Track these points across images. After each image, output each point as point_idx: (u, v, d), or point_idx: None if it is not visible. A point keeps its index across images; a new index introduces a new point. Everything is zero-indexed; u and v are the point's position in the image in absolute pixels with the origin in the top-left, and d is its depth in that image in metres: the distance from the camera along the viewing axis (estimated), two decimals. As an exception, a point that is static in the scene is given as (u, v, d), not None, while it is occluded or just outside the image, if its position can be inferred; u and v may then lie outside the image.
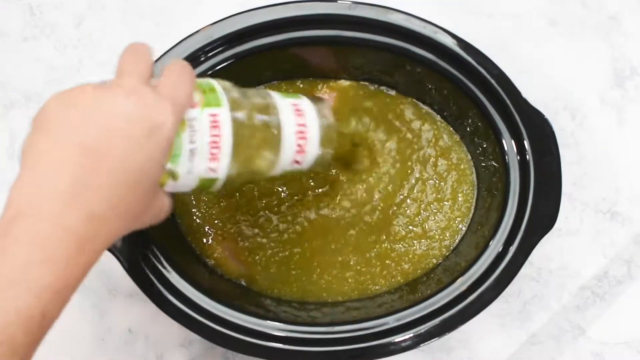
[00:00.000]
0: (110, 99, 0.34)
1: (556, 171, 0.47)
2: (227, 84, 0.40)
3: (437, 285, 0.48)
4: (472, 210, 0.52)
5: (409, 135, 0.53)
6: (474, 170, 0.52)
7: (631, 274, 0.54)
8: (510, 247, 0.46)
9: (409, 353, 0.46)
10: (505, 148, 0.48)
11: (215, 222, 0.51)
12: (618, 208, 0.55)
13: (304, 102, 0.43)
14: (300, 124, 0.41)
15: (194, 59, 0.49)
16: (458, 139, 0.53)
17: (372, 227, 0.51)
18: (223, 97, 0.38)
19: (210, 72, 0.50)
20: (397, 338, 0.45)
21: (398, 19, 0.50)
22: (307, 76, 0.54)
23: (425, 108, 0.53)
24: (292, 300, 0.50)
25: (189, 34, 0.49)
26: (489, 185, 0.51)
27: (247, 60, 0.51)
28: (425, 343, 0.45)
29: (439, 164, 0.53)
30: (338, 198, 0.52)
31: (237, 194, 0.52)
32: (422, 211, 0.52)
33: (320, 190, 0.52)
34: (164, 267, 0.46)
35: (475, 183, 0.52)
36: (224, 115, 0.38)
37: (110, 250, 0.45)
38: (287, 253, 0.51)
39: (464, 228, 0.51)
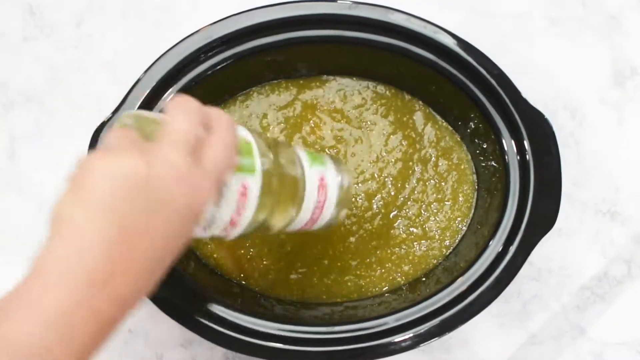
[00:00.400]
0: (159, 181, 0.31)
1: (556, 171, 0.47)
2: (260, 138, 0.38)
3: (437, 286, 0.48)
4: (472, 210, 0.52)
5: (412, 135, 0.53)
6: (474, 170, 0.53)
7: (631, 274, 0.54)
8: (510, 247, 0.46)
9: (409, 353, 0.46)
10: (505, 148, 0.48)
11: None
12: (618, 208, 0.55)
13: (329, 172, 0.42)
14: (321, 200, 0.41)
15: (193, 59, 0.49)
16: (458, 139, 0.53)
17: (372, 233, 0.51)
18: (257, 163, 0.37)
19: (210, 72, 0.50)
20: (397, 338, 0.45)
21: (398, 19, 0.50)
22: (307, 75, 0.54)
23: (426, 108, 0.53)
24: (291, 300, 0.50)
25: (189, 34, 0.49)
26: (489, 185, 0.51)
27: (247, 60, 0.51)
28: (425, 343, 0.45)
29: (440, 164, 0.53)
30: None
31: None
32: (422, 212, 0.52)
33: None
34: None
35: (476, 183, 0.52)
36: (255, 184, 0.36)
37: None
38: (285, 261, 0.51)
39: (464, 228, 0.51)
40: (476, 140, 0.52)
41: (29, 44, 0.58)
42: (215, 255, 0.51)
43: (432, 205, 0.52)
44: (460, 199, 0.52)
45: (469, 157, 0.53)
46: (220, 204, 0.36)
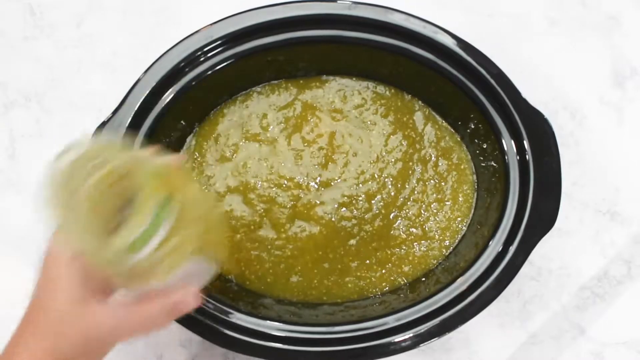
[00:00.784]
0: (92, 318, 0.37)
1: (556, 171, 0.47)
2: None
3: (436, 286, 0.48)
4: (472, 210, 0.52)
5: (412, 135, 0.53)
6: (474, 170, 0.53)
7: (631, 274, 0.54)
8: (510, 247, 0.46)
9: (409, 353, 0.46)
10: (505, 148, 0.48)
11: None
12: (618, 208, 0.55)
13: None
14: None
15: (193, 59, 0.49)
16: (458, 139, 0.53)
17: (372, 234, 0.51)
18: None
19: (210, 72, 0.50)
20: (397, 338, 0.45)
21: (398, 19, 0.50)
22: (307, 75, 0.54)
23: (426, 108, 0.54)
24: (292, 301, 0.50)
25: (189, 34, 0.49)
26: (489, 185, 0.51)
27: (247, 60, 0.51)
28: (425, 343, 0.45)
29: (440, 164, 0.53)
30: (339, 208, 0.52)
31: (232, 207, 0.52)
32: (422, 212, 0.52)
33: (318, 201, 0.52)
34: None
35: (476, 183, 0.52)
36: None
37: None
38: (286, 265, 0.51)
39: (464, 228, 0.51)
40: (476, 140, 0.52)
41: (29, 44, 0.58)
42: (215, 255, 0.51)
43: (432, 206, 0.52)
44: (460, 199, 0.52)
45: (469, 157, 0.53)
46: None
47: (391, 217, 0.51)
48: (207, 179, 0.52)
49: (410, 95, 0.54)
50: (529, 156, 0.48)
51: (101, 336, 0.37)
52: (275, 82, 0.54)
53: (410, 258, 0.51)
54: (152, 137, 0.49)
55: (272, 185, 0.52)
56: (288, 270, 0.51)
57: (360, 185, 0.52)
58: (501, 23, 0.58)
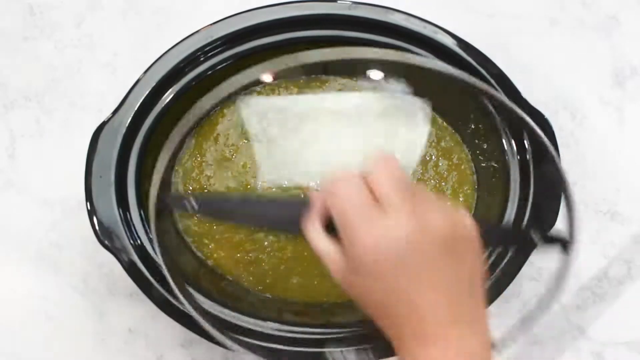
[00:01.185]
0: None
1: (556, 171, 0.47)
2: None
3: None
4: (473, 211, 0.52)
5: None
6: (474, 170, 0.52)
7: (631, 274, 0.54)
8: (510, 247, 0.46)
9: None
10: (505, 148, 0.48)
11: (214, 227, 0.51)
12: (618, 208, 0.55)
13: None
14: None
15: (193, 59, 0.49)
16: (458, 139, 0.53)
17: None
18: None
19: (210, 72, 0.50)
20: (397, 338, 0.45)
21: (398, 19, 0.50)
22: (308, 75, 0.54)
23: (427, 108, 0.53)
24: (292, 301, 0.50)
25: (189, 34, 0.49)
26: (489, 185, 0.51)
27: (247, 60, 0.51)
28: (425, 343, 0.45)
29: (440, 164, 0.53)
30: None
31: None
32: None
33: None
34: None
35: (476, 183, 0.52)
36: None
37: (110, 250, 0.45)
38: (286, 266, 0.51)
39: (464, 228, 0.51)
40: (476, 140, 0.52)
41: (29, 44, 0.58)
42: (215, 256, 0.51)
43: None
44: (461, 199, 0.52)
45: (469, 157, 0.53)
46: None
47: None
48: (207, 179, 0.52)
49: (411, 95, 0.54)
50: (529, 156, 0.48)
51: None
52: (276, 82, 0.54)
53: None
54: (152, 137, 0.49)
55: (272, 186, 0.52)
56: (288, 272, 0.50)
57: (361, 185, 0.52)
58: (501, 23, 0.58)
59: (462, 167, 0.53)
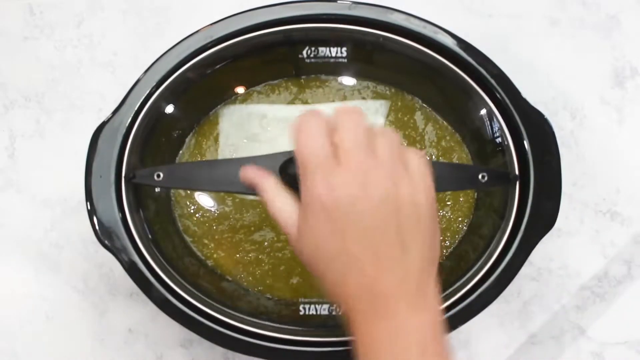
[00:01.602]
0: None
1: (556, 171, 0.47)
2: None
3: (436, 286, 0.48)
4: (473, 211, 0.52)
5: (412, 135, 0.53)
6: (474, 170, 0.52)
7: (631, 274, 0.54)
8: (510, 247, 0.46)
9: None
10: (505, 148, 0.48)
11: (214, 227, 0.51)
12: (618, 208, 0.55)
13: None
14: None
15: (193, 59, 0.49)
16: (459, 139, 0.53)
17: None
18: None
19: (210, 72, 0.50)
20: (397, 338, 0.45)
21: (398, 19, 0.50)
22: (307, 75, 0.54)
23: (426, 108, 0.53)
24: (292, 301, 0.50)
25: (189, 34, 0.49)
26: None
27: (247, 60, 0.51)
28: (425, 343, 0.45)
29: (439, 164, 0.53)
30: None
31: (232, 208, 0.52)
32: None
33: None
34: (164, 268, 0.46)
35: (476, 183, 0.52)
36: None
37: (110, 250, 0.45)
38: (286, 266, 0.51)
39: (464, 228, 0.51)
40: (476, 140, 0.52)
41: (29, 44, 0.58)
42: (215, 256, 0.51)
43: (432, 206, 0.52)
44: (461, 199, 0.52)
45: (469, 157, 0.53)
46: None
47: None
48: (207, 179, 0.52)
49: (410, 95, 0.54)
50: (529, 156, 0.48)
51: None
52: (275, 81, 0.54)
53: (410, 258, 0.51)
54: (152, 137, 0.49)
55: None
56: (288, 272, 0.50)
57: (361, 185, 0.52)
58: (501, 23, 0.58)
59: (462, 167, 0.53)
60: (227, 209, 0.52)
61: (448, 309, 0.46)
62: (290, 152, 0.43)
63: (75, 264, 0.54)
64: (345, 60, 0.52)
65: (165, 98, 0.49)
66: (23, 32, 0.59)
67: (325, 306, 0.49)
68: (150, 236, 0.47)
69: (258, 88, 0.54)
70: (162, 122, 0.50)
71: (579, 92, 0.57)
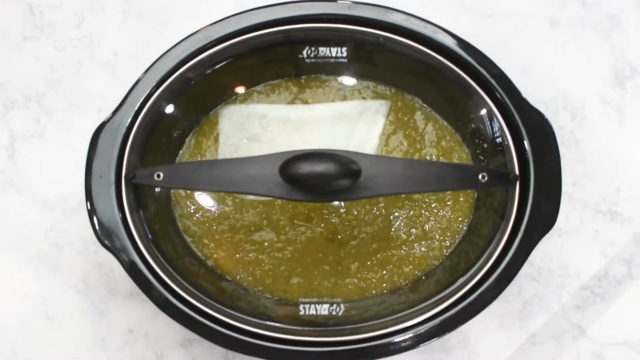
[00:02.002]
0: None
1: (556, 171, 0.47)
2: None
3: (437, 286, 0.48)
4: (473, 211, 0.52)
5: (412, 135, 0.53)
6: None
7: (631, 274, 0.54)
8: (510, 247, 0.46)
9: (409, 353, 0.46)
10: (505, 147, 0.48)
11: (214, 227, 0.51)
12: (618, 208, 0.55)
13: None
14: None
15: (194, 59, 0.49)
16: (459, 139, 0.53)
17: (373, 235, 0.51)
18: None
19: (210, 72, 0.50)
20: (397, 338, 0.45)
21: (398, 19, 0.50)
22: (308, 75, 0.54)
23: (426, 108, 0.54)
24: (292, 301, 0.50)
25: (189, 34, 0.49)
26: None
27: (247, 60, 0.51)
28: (425, 343, 0.45)
29: (439, 164, 0.53)
30: (340, 211, 0.52)
31: (232, 208, 0.52)
32: (423, 212, 0.52)
33: (319, 203, 0.51)
34: (164, 268, 0.46)
35: (476, 183, 0.52)
36: None
37: (110, 250, 0.45)
38: (286, 267, 0.51)
39: (464, 228, 0.51)
40: (476, 140, 0.52)
41: (29, 44, 0.58)
42: (215, 256, 0.51)
43: (432, 206, 0.52)
44: (461, 199, 0.52)
45: (469, 157, 0.53)
46: None
47: (391, 217, 0.51)
48: (207, 179, 0.52)
49: (410, 95, 0.54)
50: (529, 156, 0.48)
51: None
52: (275, 82, 0.54)
53: (410, 259, 0.51)
54: (152, 137, 0.49)
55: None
56: (288, 272, 0.51)
57: (361, 185, 0.52)
58: (501, 23, 0.58)
59: (462, 167, 0.53)
60: (227, 209, 0.52)
61: (448, 309, 0.46)
62: (290, 152, 0.43)
63: (75, 264, 0.54)
64: (346, 60, 0.52)
65: (165, 98, 0.49)
66: (23, 32, 0.59)
67: (325, 306, 0.49)
68: (150, 236, 0.47)
69: (258, 88, 0.54)
70: (162, 122, 0.50)
71: (579, 92, 0.57)
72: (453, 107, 0.52)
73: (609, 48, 0.58)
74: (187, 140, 0.53)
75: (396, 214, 0.52)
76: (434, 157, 0.53)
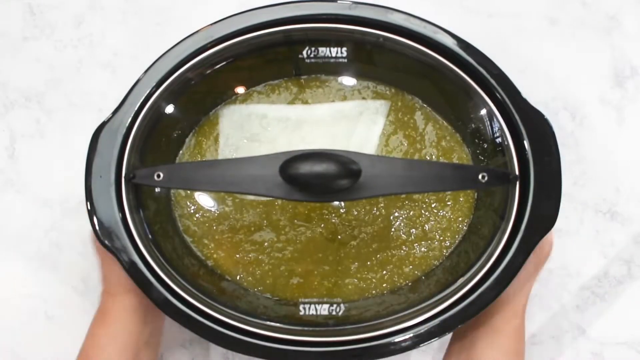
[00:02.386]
0: None
1: (556, 171, 0.47)
2: None
3: (437, 286, 0.48)
4: (473, 211, 0.52)
5: (412, 135, 0.53)
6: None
7: (631, 274, 0.54)
8: (510, 247, 0.46)
9: (409, 353, 0.46)
10: (505, 147, 0.48)
11: (214, 227, 0.51)
12: (618, 208, 0.55)
13: None
14: None
15: (194, 59, 0.49)
16: (459, 139, 0.53)
17: (373, 236, 0.51)
18: None
19: (210, 72, 0.50)
20: (397, 338, 0.45)
21: (398, 19, 0.50)
22: (308, 75, 0.54)
23: (426, 108, 0.54)
24: (292, 301, 0.50)
25: (189, 34, 0.49)
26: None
27: (247, 60, 0.51)
28: (425, 343, 0.45)
29: (439, 164, 0.53)
30: (340, 211, 0.52)
31: (232, 208, 0.52)
32: (423, 212, 0.52)
33: (319, 203, 0.51)
34: (164, 268, 0.46)
35: (476, 183, 0.52)
36: None
37: (110, 250, 0.45)
38: (286, 267, 0.51)
39: (464, 228, 0.51)
40: (476, 140, 0.52)
41: (29, 44, 0.58)
42: (215, 256, 0.51)
43: (432, 206, 0.52)
44: (461, 199, 0.52)
45: (469, 157, 0.53)
46: None
47: (391, 218, 0.51)
48: (207, 179, 0.52)
49: (410, 95, 0.54)
50: (529, 156, 0.48)
51: None
52: (275, 82, 0.54)
53: (410, 259, 0.51)
54: (152, 137, 0.49)
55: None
56: (288, 272, 0.51)
57: (361, 185, 0.52)
58: (501, 23, 0.58)
59: (462, 167, 0.53)
60: (227, 209, 0.52)
61: (448, 309, 0.46)
62: (290, 152, 0.43)
63: (75, 263, 0.54)
64: (345, 60, 0.52)
65: (165, 98, 0.49)
66: (23, 32, 0.59)
67: (325, 306, 0.49)
68: (150, 236, 0.47)
69: (258, 88, 0.54)
70: (162, 122, 0.50)
71: (579, 92, 0.57)
72: (453, 107, 0.52)
73: (609, 48, 0.58)
74: (187, 140, 0.53)
75: (396, 214, 0.52)
76: (434, 157, 0.53)
